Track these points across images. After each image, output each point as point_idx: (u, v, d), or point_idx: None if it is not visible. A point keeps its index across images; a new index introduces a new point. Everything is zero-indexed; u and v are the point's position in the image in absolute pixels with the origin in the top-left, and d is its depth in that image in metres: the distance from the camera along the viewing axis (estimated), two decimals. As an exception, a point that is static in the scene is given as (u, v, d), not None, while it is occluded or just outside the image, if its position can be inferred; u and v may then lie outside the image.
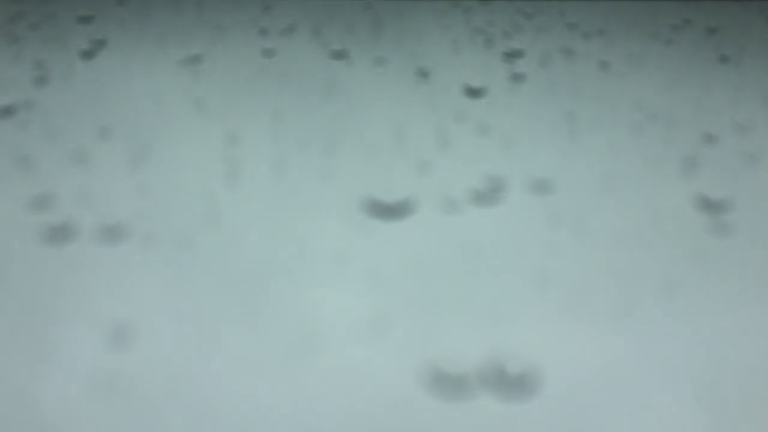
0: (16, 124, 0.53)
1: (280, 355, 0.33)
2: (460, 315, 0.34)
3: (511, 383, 0.30)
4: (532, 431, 0.30)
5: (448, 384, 0.30)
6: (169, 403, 0.29)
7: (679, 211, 0.45)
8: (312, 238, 0.41)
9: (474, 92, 0.63)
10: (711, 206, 0.46)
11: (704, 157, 0.52)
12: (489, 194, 0.46)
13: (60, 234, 0.40)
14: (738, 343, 0.35)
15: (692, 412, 0.31)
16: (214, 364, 0.32)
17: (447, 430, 0.29)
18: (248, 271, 0.38)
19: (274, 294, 0.36)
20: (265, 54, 0.70)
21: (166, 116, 0.54)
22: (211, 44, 0.71)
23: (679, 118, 0.59)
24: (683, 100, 0.62)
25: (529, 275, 0.38)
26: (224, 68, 0.65)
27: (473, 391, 0.30)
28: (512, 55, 0.72)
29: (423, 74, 0.66)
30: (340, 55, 0.70)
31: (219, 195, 0.44)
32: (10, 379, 0.31)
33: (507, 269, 0.38)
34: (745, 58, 0.73)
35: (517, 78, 0.66)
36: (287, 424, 0.29)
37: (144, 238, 0.39)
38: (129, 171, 0.46)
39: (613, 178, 0.48)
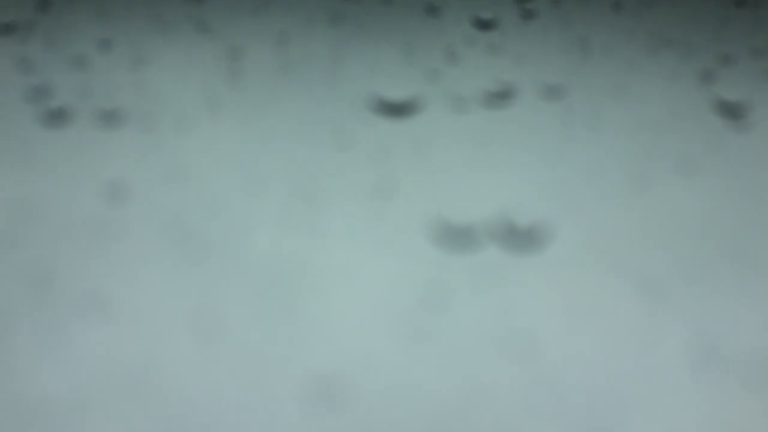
0: (17, 39, 0.52)
1: (280, 218, 0.32)
2: (469, 182, 0.33)
3: (520, 236, 0.29)
4: (540, 282, 0.28)
5: (455, 236, 0.29)
6: (163, 246, 0.28)
7: (697, 111, 0.44)
8: (314, 125, 0.39)
9: (484, 24, 0.62)
10: (729, 107, 0.44)
11: (722, 73, 0.51)
12: (499, 98, 0.45)
13: (57, 118, 0.39)
14: (754, 212, 0.33)
15: (699, 275, 0.30)
16: (209, 218, 0.31)
17: (456, 281, 0.28)
18: (247, 150, 0.37)
19: (271, 173, 0.35)
20: (271, -7, 0.69)
21: (167, 33, 0.53)
22: (217, -16, 0.70)
23: (695, 43, 0.57)
24: (699, 31, 0.61)
25: (541, 156, 0.37)
26: (229, 2, 0.64)
27: (481, 242, 0.29)
28: (523, -2, 0.71)
29: (431, 9, 0.65)
30: (348, -5, 0.69)
31: (220, 90, 0.43)
32: (10, 236, 0.30)
33: (519, 151, 0.37)
34: (762, 1, 0.72)
35: (529, 14, 0.65)
36: (293, 273, 0.28)
37: (141, 122, 0.38)
38: (128, 71, 0.45)
39: (628, 87, 0.47)
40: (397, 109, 0.43)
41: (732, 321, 0.29)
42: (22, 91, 0.42)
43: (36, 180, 0.35)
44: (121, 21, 0.59)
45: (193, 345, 0.27)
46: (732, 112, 0.44)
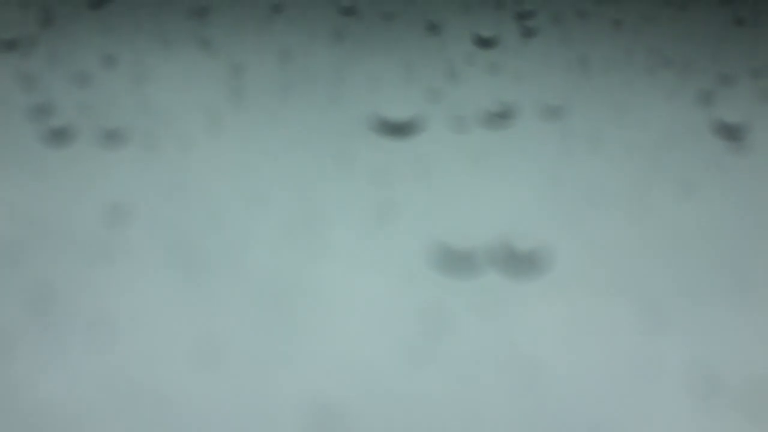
0: (19, 55, 0.52)
1: (281, 237, 0.32)
2: (470, 204, 0.33)
3: (520, 261, 0.29)
4: (540, 307, 0.28)
5: (456, 260, 0.29)
6: (164, 264, 0.28)
7: (696, 132, 0.44)
8: (315, 145, 0.40)
9: (485, 42, 0.62)
10: (728, 129, 0.45)
11: (721, 93, 0.51)
12: (499, 118, 0.45)
13: (59, 137, 0.39)
14: (754, 235, 0.33)
15: (700, 300, 0.30)
16: (210, 237, 0.31)
17: (456, 306, 0.28)
18: (248, 169, 0.37)
19: (272, 191, 0.35)
20: (273, 9, 0.69)
21: (171, 51, 0.54)
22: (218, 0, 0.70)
23: (694, 62, 0.58)
24: (698, 50, 0.61)
25: (541, 178, 0.37)
26: (232, 17, 0.64)
27: (481, 268, 0.29)
28: (524, 15, 0.71)
29: (432, 27, 0.65)
30: (348, 11, 0.69)
31: (222, 109, 0.43)
32: (13, 254, 0.30)
33: (518, 173, 0.37)
34: (761, 18, 0.72)
35: (529, 32, 0.65)
36: (294, 293, 0.28)
37: (144, 140, 0.38)
38: (131, 88, 0.45)
39: (628, 107, 0.47)
40: (397, 129, 0.43)
41: (732, 347, 0.29)
42: (24, 109, 0.42)
43: (38, 199, 0.35)
44: (124, 37, 0.60)
45: (193, 365, 0.27)
46: (731, 133, 0.44)
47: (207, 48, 0.59)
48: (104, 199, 0.35)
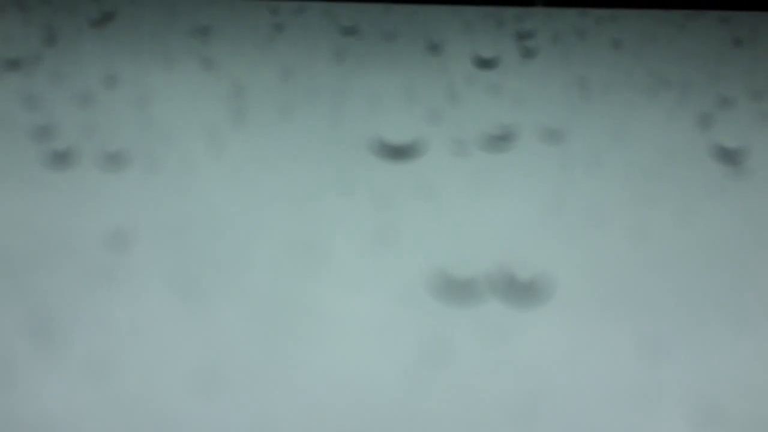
0: (23, 74, 0.52)
1: (282, 260, 0.32)
2: (470, 230, 0.33)
3: (521, 289, 0.29)
4: (542, 336, 0.29)
5: (456, 285, 0.29)
6: (166, 286, 0.28)
7: (695, 156, 0.44)
8: (316, 166, 0.40)
9: (485, 62, 0.62)
10: (727, 153, 0.45)
11: (721, 116, 0.51)
12: (500, 141, 0.45)
13: (62, 160, 0.39)
14: (753, 263, 0.34)
15: (699, 330, 0.30)
16: (211, 259, 0.32)
17: (456, 334, 0.28)
18: (248, 193, 0.37)
19: (273, 213, 0.35)
20: (275, 28, 0.69)
21: (173, 70, 0.54)
22: (220, 18, 0.71)
23: (693, 84, 0.58)
24: (697, 71, 0.61)
25: (540, 202, 0.37)
26: (233, 36, 0.64)
27: (482, 295, 0.29)
28: (524, 35, 0.72)
29: (433, 47, 0.66)
30: (350, 31, 0.70)
31: (223, 129, 0.43)
32: (19, 276, 0.30)
33: (518, 197, 0.38)
34: (759, 39, 0.73)
35: (529, 52, 0.66)
36: (294, 316, 0.29)
37: (146, 163, 0.38)
38: (133, 109, 0.45)
39: (627, 129, 0.48)
40: (398, 152, 0.43)
41: (732, 374, 0.29)
42: (27, 130, 0.42)
43: (40, 222, 0.35)
44: (126, 56, 0.60)
45: (194, 387, 0.28)
46: (730, 157, 0.44)
47: (209, 67, 0.59)
48: (106, 221, 0.35)
